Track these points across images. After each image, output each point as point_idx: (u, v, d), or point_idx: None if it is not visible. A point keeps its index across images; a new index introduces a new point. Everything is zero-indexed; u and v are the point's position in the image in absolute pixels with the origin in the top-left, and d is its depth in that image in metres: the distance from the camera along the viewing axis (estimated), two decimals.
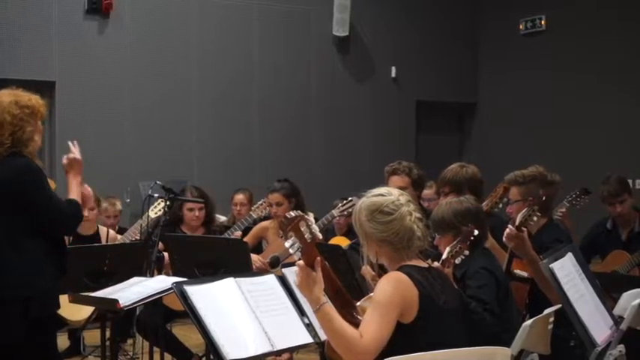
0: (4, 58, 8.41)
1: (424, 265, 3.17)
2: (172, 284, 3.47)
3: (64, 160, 4.22)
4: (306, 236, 3.01)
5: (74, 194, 4.09)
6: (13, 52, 8.47)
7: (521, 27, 10.59)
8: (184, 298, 3.35)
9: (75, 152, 4.23)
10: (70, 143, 4.26)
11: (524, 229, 4.34)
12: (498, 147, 10.69)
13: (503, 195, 4.92)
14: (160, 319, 5.50)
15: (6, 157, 3.90)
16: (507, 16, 10.73)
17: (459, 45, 11.15)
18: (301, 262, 3.02)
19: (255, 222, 6.66)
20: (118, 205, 7.27)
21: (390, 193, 3.18)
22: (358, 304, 3.24)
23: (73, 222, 4.04)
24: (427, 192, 6.56)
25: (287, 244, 3.03)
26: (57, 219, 3.93)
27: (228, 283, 3.55)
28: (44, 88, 8.35)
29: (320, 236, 3.10)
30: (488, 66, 11.12)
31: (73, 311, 5.45)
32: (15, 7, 8.52)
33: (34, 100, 4.05)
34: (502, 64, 10.87)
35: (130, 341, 6.64)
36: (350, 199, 6.23)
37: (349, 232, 7.17)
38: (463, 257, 3.78)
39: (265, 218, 6.60)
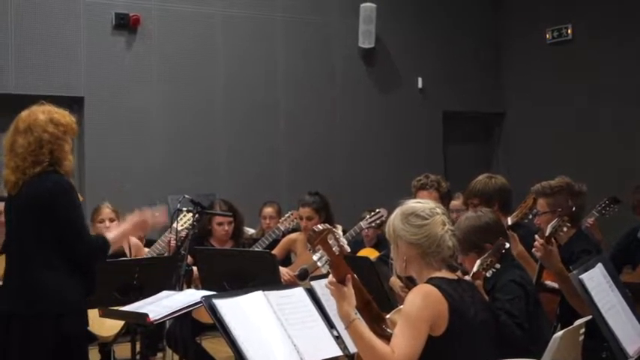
0: (33, 74, 8.50)
1: (453, 276, 3.16)
2: (201, 298, 3.47)
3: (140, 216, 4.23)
4: (334, 249, 3.02)
5: (113, 236, 4.09)
6: (41, 68, 8.55)
7: (547, 36, 10.53)
8: (213, 311, 3.36)
9: (155, 217, 4.24)
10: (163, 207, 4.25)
11: (554, 240, 4.32)
12: (526, 156, 10.63)
13: (532, 206, 4.89)
14: (189, 332, 5.53)
15: (42, 175, 3.92)
16: (533, 25, 10.68)
17: (486, 55, 11.12)
18: (331, 278, 3.02)
19: (284, 234, 6.67)
20: None
21: (428, 203, 3.23)
22: (388, 316, 3.23)
23: (91, 257, 4.00)
24: (455, 203, 6.55)
25: (315, 257, 3.03)
26: (77, 244, 3.90)
27: (257, 296, 3.55)
28: (72, 104, 8.46)
29: (348, 249, 3.10)
30: (515, 76, 11.06)
31: (103, 325, 5.48)
32: (43, 23, 8.61)
33: (68, 117, 4.06)
34: (529, 74, 10.81)
35: (159, 355, 6.67)
36: (378, 210, 6.23)
37: (378, 244, 7.16)
38: (494, 270, 3.76)
39: (293, 230, 6.61)
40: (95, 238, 4.04)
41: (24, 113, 4.04)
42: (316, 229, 3.06)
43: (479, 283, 3.68)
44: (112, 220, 6.00)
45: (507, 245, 4.05)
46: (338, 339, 3.61)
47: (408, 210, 3.17)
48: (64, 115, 4.05)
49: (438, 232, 3.11)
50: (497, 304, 3.79)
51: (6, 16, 8.43)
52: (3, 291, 4.04)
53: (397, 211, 3.21)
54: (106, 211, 6.14)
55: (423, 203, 3.21)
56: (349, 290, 3.01)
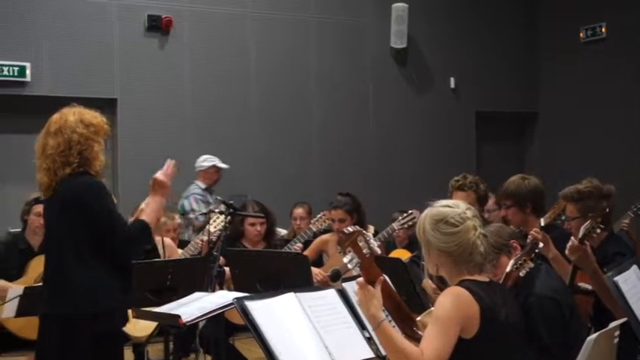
0: (67, 77, 8.58)
1: (485, 279, 3.14)
2: (233, 300, 3.48)
3: (152, 179, 4.22)
4: (364, 251, 3.01)
5: (145, 215, 4.06)
6: (75, 71, 8.64)
7: (581, 35, 10.44)
8: (245, 313, 3.37)
9: (165, 172, 4.20)
10: (168, 160, 4.23)
11: (587, 242, 4.28)
12: (560, 156, 10.55)
13: (565, 208, 4.84)
14: (222, 333, 5.55)
15: (73, 176, 3.95)
16: (567, 24, 10.60)
17: (519, 54, 11.05)
18: (360, 279, 3.02)
19: (315, 235, 6.66)
20: (177, 219, 7.33)
21: (458, 206, 3.15)
22: (419, 318, 3.22)
23: (133, 245, 4.02)
24: (488, 203, 6.50)
25: (345, 259, 3.03)
26: (116, 241, 3.92)
27: (289, 298, 3.55)
28: (106, 106, 8.53)
29: (378, 251, 3.10)
30: (549, 75, 10.99)
31: (136, 326, 5.51)
32: (77, 26, 8.69)
33: (99, 118, 4.08)
34: (563, 73, 10.73)
35: (192, 355, 6.70)
36: (410, 211, 6.20)
37: (410, 245, 7.13)
38: (528, 270, 3.73)
39: (325, 231, 6.60)
40: (131, 225, 4.04)
41: (55, 115, 4.07)
42: (346, 231, 3.06)
43: (513, 281, 3.66)
44: None
45: (541, 245, 4.03)
46: (370, 340, 3.60)
47: (438, 216, 3.12)
48: (94, 116, 4.06)
49: (469, 238, 3.07)
50: (532, 320, 3.72)
51: (40, 19, 8.52)
52: (42, 291, 4.08)
53: (427, 215, 3.15)
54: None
55: (452, 207, 3.14)
56: (377, 291, 3.01)
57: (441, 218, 3.10)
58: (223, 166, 8.66)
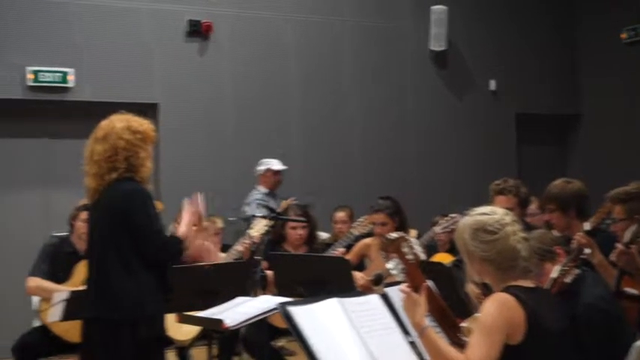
0: (108, 82, 8.67)
1: (530, 284, 3.11)
2: (277, 305, 3.49)
3: (187, 207, 4.28)
4: (408, 257, 3.00)
5: (181, 231, 4.15)
6: (116, 76, 8.72)
7: (623, 36, 10.31)
8: (289, 318, 3.37)
9: (196, 207, 4.30)
10: (198, 196, 4.30)
11: (633, 245, 4.22)
12: (603, 159, 10.42)
13: (610, 211, 4.78)
14: (265, 336, 5.57)
15: (119, 181, 4.00)
16: (608, 25, 10.47)
17: (560, 55, 10.95)
18: (404, 286, 3.01)
19: (357, 239, 6.65)
20: (219, 223, 7.36)
21: (495, 212, 3.13)
22: (463, 324, 3.20)
23: (167, 254, 4.09)
24: (530, 207, 6.44)
25: (389, 265, 3.02)
26: (152, 250, 3.98)
27: (332, 303, 3.54)
28: (147, 110, 8.59)
29: (423, 256, 3.08)
30: (590, 76, 10.86)
31: (180, 330, 5.56)
32: (118, 32, 8.78)
33: (146, 125, 4.13)
34: (604, 74, 10.60)
35: (236, 358, 6.73)
36: (452, 215, 6.18)
37: (452, 249, 7.08)
38: (574, 276, 3.70)
39: (367, 235, 6.58)
40: (169, 239, 4.10)
41: (103, 122, 4.13)
42: (390, 237, 3.05)
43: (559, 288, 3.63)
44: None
45: (587, 251, 3.99)
46: (413, 345, 3.58)
47: (476, 224, 3.10)
48: (142, 123, 4.11)
49: (510, 244, 3.05)
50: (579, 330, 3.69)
51: (82, 24, 8.62)
52: (85, 297, 4.13)
53: (465, 225, 3.14)
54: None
55: (490, 215, 3.12)
56: (422, 298, 3.00)
57: (480, 227, 3.09)
58: (277, 168, 8.66)
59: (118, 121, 4.08)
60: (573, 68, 11.01)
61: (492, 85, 10.58)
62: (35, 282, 5.71)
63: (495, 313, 2.94)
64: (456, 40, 10.33)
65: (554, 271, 3.74)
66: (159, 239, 3.98)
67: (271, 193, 8.59)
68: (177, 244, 4.08)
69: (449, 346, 2.97)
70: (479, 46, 10.49)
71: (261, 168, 8.68)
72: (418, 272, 3.04)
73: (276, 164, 8.68)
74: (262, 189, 8.60)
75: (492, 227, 3.07)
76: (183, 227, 4.17)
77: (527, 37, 10.73)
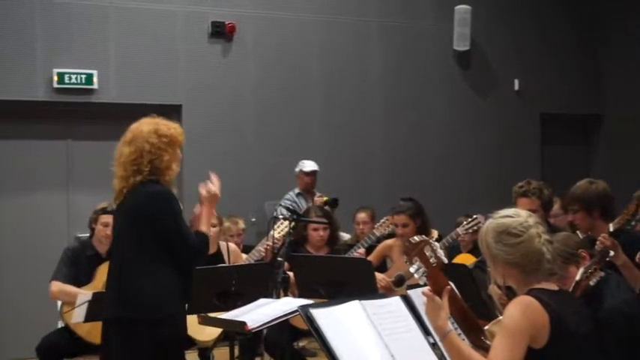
0: (132, 84, 8.71)
1: (554, 287, 3.09)
2: (298, 307, 3.49)
3: (203, 191, 4.30)
4: (430, 260, 2.99)
5: (205, 226, 4.17)
6: (141, 77, 8.76)
7: None
8: (310, 321, 3.36)
9: (215, 185, 4.31)
10: (211, 175, 4.34)
11: None
12: (627, 159, 10.33)
13: (636, 212, 4.73)
14: (287, 338, 5.57)
15: (144, 183, 4.03)
16: (631, 24, 10.38)
17: (583, 55, 10.87)
18: (427, 289, 2.99)
19: (379, 240, 6.65)
20: (241, 224, 7.37)
21: (519, 215, 3.10)
22: (487, 327, 3.18)
23: (197, 256, 4.11)
24: (553, 208, 6.40)
25: (412, 269, 3.02)
26: (182, 250, 4.00)
27: (354, 305, 3.53)
28: (171, 112, 8.63)
29: (445, 260, 3.07)
30: (614, 76, 10.77)
31: (202, 331, 5.57)
32: (142, 34, 8.81)
33: (173, 129, 4.15)
34: (628, 73, 10.50)
35: (258, 359, 6.73)
36: (475, 216, 6.16)
37: (474, 249, 7.06)
38: (598, 279, 3.66)
39: (389, 236, 6.58)
40: (194, 236, 4.12)
41: (133, 125, 4.17)
42: (412, 241, 3.04)
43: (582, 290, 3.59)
44: (214, 226, 6.09)
45: (611, 253, 3.95)
46: (434, 346, 3.56)
47: (500, 228, 3.07)
48: (169, 127, 4.13)
49: (534, 246, 3.02)
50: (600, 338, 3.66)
51: (106, 26, 8.67)
52: (105, 297, 4.15)
53: (488, 227, 3.11)
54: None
55: (513, 217, 3.09)
56: (444, 302, 2.98)
57: (503, 230, 3.06)
58: (308, 169, 8.65)
59: (146, 125, 4.11)
60: (597, 67, 10.92)
61: (516, 84, 10.52)
62: (57, 286, 5.76)
63: (519, 316, 2.91)
64: (479, 40, 10.29)
65: (578, 274, 3.71)
66: (187, 238, 4.00)
67: (303, 194, 8.58)
68: (203, 241, 4.11)
69: (472, 350, 2.95)
70: (502, 46, 10.44)
71: (297, 169, 8.69)
72: (441, 275, 3.02)
73: (307, 165, 8.68)
74: (296, 190, 8.61)
75: (516, 230, 3.04)
76: (204, 222, 4.19)
77: (550, 36, 10.67)
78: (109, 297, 4.08)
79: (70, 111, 8.68)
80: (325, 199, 7.94)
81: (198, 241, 4.09)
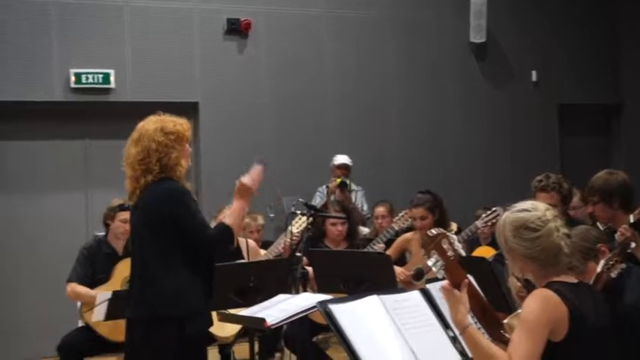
0: (150, 82, 8.73)
1: (574, 280, 3.06)
2: (317, 303, 3.48)
3: (237, 182, 4.26)
4: (448, 254, 2.97)
5: (230, 219, 4.10)
6: (157, 76, 8.78)
7: None
8: (330, 317, 3.35)
9: (252, 176, 4.24)
10: (254, 167, 4.28)
11: None
12: None
13: None
14: (307, 333, 5.56)
15: (156, 182, 4.03)
16: None
17: (601, 45, 10.80)
18: (445, 283, 2.98)
19: (398, 234, 6.63)
20: (260, 220, 7.38)
21: (536, 209, 3.07)
22: (506, 321, 3.17)
23: (216, 246, 4.06)
24: (573, 199, 6.36)
25: (430, 262, 3.00)
26: (200, 244, 3.99)
27: (373, 300, 3.52)
28: (188, 109, 8.65)
29: (463, 253, 3.05)
30: (633, 65, 10.69)
31: (222, 327, 5.58)
32: (157, 32, 8.83)
33: (180, 125, 4.13)
34: None
35: (277, 355, 6.74)
36: (494, 209, 6.13)
37: (494, 242, 7.04)
38: (620, 270, 3.63)
39: (408, 230, 6.56)
40: (215, 229, 4.08)
41: (139, 124, 4.16)
42: (430, 234, 3.02)
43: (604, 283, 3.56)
44: None
45: (633, 245, 3.92)
46: (454, 340, 3.55)
47: (518, 222, 3.04)
48: (175, 124, 4.11)
49: (552, 240, 2.99)
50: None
51: (122, 26, 8.69)
52: (128, 297, 4.16)
53: (506, 221, 3.08)
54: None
55: (531, 211, 3.05)
56: (463, 296, 2.96)
57: (522, 224, 3.03)
58: (338, 162, 8.67)
59: (152, 123, 4.10)
60: (615, 57, 10.85)
61: (534, 76, 10.47)
62: (72, 287, 5.77)
63: (538, 309, 2.89)
64: (495, 32, 10.24)
65: (599, 266, 3.68)
66: (203, 232, 3.98)
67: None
68: (226, 232, 4.05)
69: (491, 343, 2.93)
70: (519, 37, 10.39)
71: (331, 163, 8.72)
72: (459, 269, 3.00)
73: (339, 159, 8.69)
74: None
75: (534, 224, 3.01)
76: (232, 215, 4.12)
77: (567, 26, 10.60)
78: (133, 297, 4.08)
79: (88, 111, 8.72)
80: (339, 180, 7.99)
81: (217, 231, 4.04)
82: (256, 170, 4.28)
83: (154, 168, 4.01)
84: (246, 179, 4.22)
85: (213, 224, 4.19)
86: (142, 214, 4.04)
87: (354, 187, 8.67)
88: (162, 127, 4.07)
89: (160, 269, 3.94)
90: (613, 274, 3.63)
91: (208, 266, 4.09)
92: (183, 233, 3.95)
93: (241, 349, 6.73)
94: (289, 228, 5.80)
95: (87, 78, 8.55)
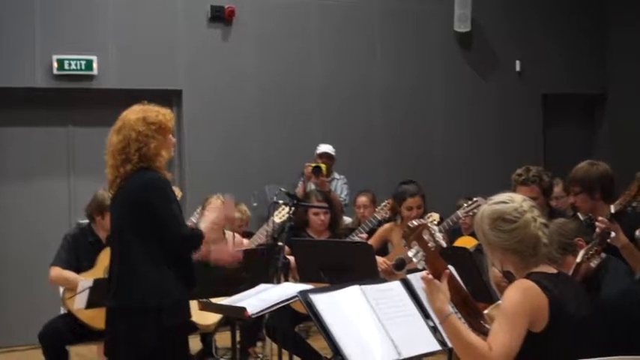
0: (133, 69, 8.68)
1: (553, 270, 3.08)
2: (298, 293, 3.49)
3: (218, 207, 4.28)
4: (429, 245, 2.98)
5: (204, 228, 4.11)
6: (140, 63, 8.73)
7: None
8: (310, 306, 3.37)
9: (224, 209, 4.26)
10: (222, 198, 4.28)
11: None
12: (630, 139, 10.28)
13: (637, 193, 4.70)
14: (288, 322, 5.57)
15: (136, 172, 4.01)
16: (636, 3, 10.30)
17: (585, 34, 10.80)
18: (426, 273, 2.99)
19: (380, 223, 6.65)
20: (247, 212, 7.39)
21: (513, 200, 3.09)
22: (486, 311, 3.18)
23: (184, 245, 4.05)
24: (555, 190, 6.38)
25: (410, 253, 3.01)
26: (170, 235, 3.96)
27: (354, 290, 3.54)
28: (171, 97, 8.62)
29: (444, 244, 3.06)
30: (617, 55, 10.70)
31: (203, 316, 5.56)
32: (141, 19, 8.78)
33: (162, 115, 4.11)
34: (632, 53, 10.43)
35: (259, 344, 6.75)
36: (475, 199, 6.14)
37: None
38: (600, 259, 3.65)
39: (390, 219, 6.57)
40: (190, 230, 4.10)
41: (123, 113, 4.14)
42: (411, 225, 3.03)
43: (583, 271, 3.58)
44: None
45: (613, 234, 3.93)
46: (434, 330, 3.56)
47: (495, 214, 3.06)
48: (158, 114, 4.10)
49: (530, 231, 3.01)
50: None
51: (105, 12, 8.63)
52: (108, 286, 4.15)
53: (483, 214, 3.10)
54: (218, 202, 6.22)
55: (508, 203, 3.07)
56: (443, 285, 2.98)
57: (498, 216, 3.05)
58: (320, 150, 8.68)
59: (134, 113, 4.09)
60: (600, 47, 10.85)
61: (518, 65, 10.47)
62: (56, 272, 5.76)
63: (518, 300, 2.91)
64: (480, 21, 10.23)
65: (579, 256, 3.69)
66: (180, 228, 3.98)
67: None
68: (197, 237, 4.06)
69: (471, 333, 2.94)
70: (503, 27, 10.38)
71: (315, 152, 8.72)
72: (439, 259, 3.02)
73: (321, 148, 8.70)
74: None
75: (511, 216, 3.03)
76: (206, 223, 4.15)
77: (552, 16, 10.60)
78: (112, 286, 4.07)
79: (70, 97, 8.66)
80: (313, 165, 8.01)
81: (191, 233, 4.06)
82: (228, 204, 4.28)
83: (133, 158, 3.99)
84: (220, 212, 4.22)
85: (196, 214, 4.20)
86: (121, 203, 4.04)
87: (335, 175, 8.68)
88: (145, 116, 4.05)
89: (139, 259, 3.94)
90: (593, 264, 3.65)
91: (187, 257, 4.08)
92: (159, 225, 3.93)
93: (223, 338, 6.74)
94: (272, 218, 5.81)
95: (69, 64, 8.48)
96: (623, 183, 4.90)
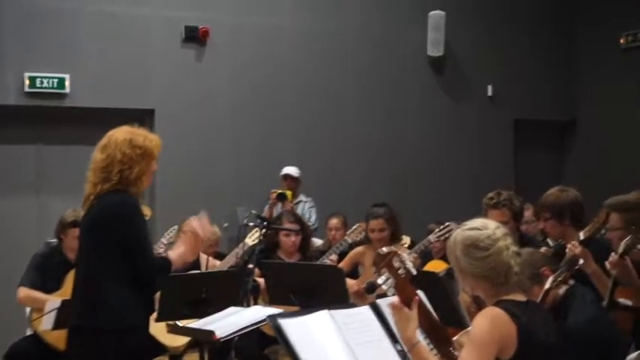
0: (105, 88, 8.64)
1: (522, 298, 3.08)
2: (267, 317, 3.46)
3: (186, 227, 4.24)
4: (399, 272, 2.98)
5: (174, 255, 4.10)
6: (114, 82, 8.69)
7: (622, 41, 10.25)
8: (279, 331, 3.34)
9: (201, 227, 4.21)
10: (200, 216, 4.24)
11: (627, 257, 4.20)
12: (600, 166, 10.36)
13: (606, 221, 4.73)
14: (257, 345, 5.54)
15: (111, 192, 3.97)
16: (606, 30, 10.41)
17: (557, 61, 10.91)
18: (395, 301, 2.98)
19: (351, 246, 6.64)
20: (218, 233, 7.34)
21: (486, 227, 3.09)
22: (455, 338, 3.18)
23: (151, 275, 4.01)
24: (525, 214, 6.41)
25: (380, 280, 3.01)
26: (140, 264, 3.93)
27: (323, 315, 3.51)
28: (144, 116, 8.58)
29: (414, 272, 3.06)
30: (588, 82, 10.81)
31: (172, 338, 5.53)
32: (115, 38, 8.75)
33: (149, 140, 4.06)
34: (602, 80, 10.54)
35: None
36: (447, 224, 6.16)
37: (446, 256, 7.07)
38: (568, 286, 3.67)
39: (361, 243, 6.57)
40: (160, 261, 4.08)
41: (111, 131, 4.10)
42: (381, 252, 3.03)
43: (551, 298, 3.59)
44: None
45: (581, 261, 3.96)
46: (404, 355, 3.55)
47: (468, 240, 3.06)
48: (145, 138, 4.05)
49: (502, 259, 3.01)
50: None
51: (78, 30, 8.60)
52: (71, 305, 4.11)
53: (457, 239, 3.10)
54: (194, 223, 6.18)
55: (481, 229, 3.07)
56: (413, 313, 2.97)
57: (471, 242, 3.05)
58: (283, 172, 8.73)
59: (122, 133, 4.04)
60: (571, 74, 10.97)
61: (489, 90, 10.55)
62: (25, 292, 5.70)
63: (487, 327, 2.91)
64: (453, 46, 10.30)
65: (548, 282, 3.71)
66: (146, 255, 3.95)
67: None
68: (163, 268, 4.04)
69: None
70: (476, 52, 10.46)
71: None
72: (409, 287, 3.01)
73: (284, 170, 8.71)
74: None
75: (484, 243, 3.03)
76: (176, 256, 4.11)
77: (524, 42, 10.70)
78: (75, 305, 4.04)
79: (42, 115, 8.60)
80: (278, 191, 8.02)
81: (160, 264, 4.03)
82: (204, 219, 4.25)
83: (114, 178, 3.95)
84: (199, 230, 4.16)
85: (168, 235, 4.15)
86: (92, 222, 3.99)
87: (302, 197, 8.69)
88: (132, 139, 4.00)
89: (102, 280, 3.89)
90: (561, 291, 3.67)
91: (150, 281, 4.04)
92: (126, 248, 3.89)
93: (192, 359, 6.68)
94: (245, 240, 5.79)
95: (42, 82, 8.44)
96: (591, 209, 4.95)
